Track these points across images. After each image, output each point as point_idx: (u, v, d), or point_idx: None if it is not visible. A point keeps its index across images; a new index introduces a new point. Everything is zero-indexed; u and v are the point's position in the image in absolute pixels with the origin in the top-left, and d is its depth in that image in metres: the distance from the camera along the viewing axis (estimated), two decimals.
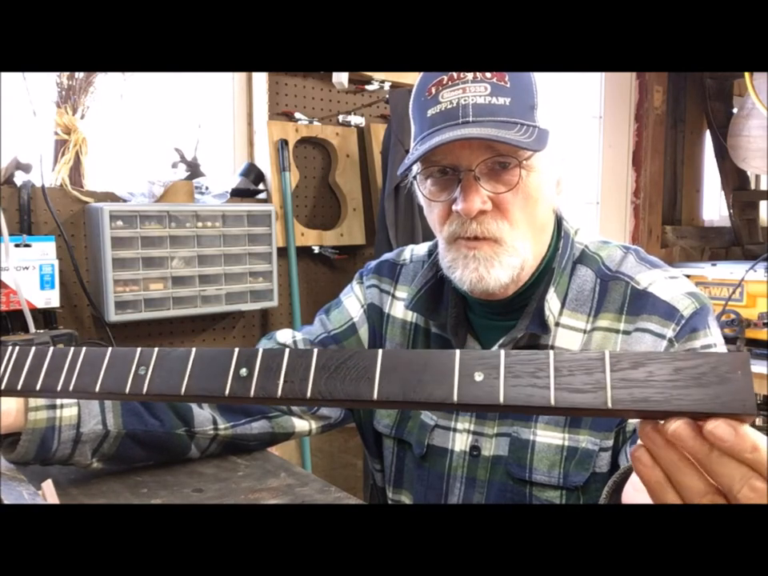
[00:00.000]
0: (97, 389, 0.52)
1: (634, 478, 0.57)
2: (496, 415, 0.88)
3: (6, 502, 0.72)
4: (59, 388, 0.53)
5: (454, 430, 0.91)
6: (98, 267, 1.81)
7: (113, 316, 1.81)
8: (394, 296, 1.02)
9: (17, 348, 0.57)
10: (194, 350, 0.51)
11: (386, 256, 1.07)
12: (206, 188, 2.10)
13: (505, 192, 0.81)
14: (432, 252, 1.00)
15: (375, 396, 0.45)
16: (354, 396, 0.45)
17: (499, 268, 0.82)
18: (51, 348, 0.56)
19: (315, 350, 0.48)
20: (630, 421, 0.82)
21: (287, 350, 0.49)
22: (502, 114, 0.78)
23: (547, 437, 0.84)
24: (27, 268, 1.68)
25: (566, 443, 0.84)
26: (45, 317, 1.76)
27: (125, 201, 1.93)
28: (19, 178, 1.78)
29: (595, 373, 0.42)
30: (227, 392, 0.48)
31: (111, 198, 1.92)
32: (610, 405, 0.41)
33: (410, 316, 0.99)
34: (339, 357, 0.47)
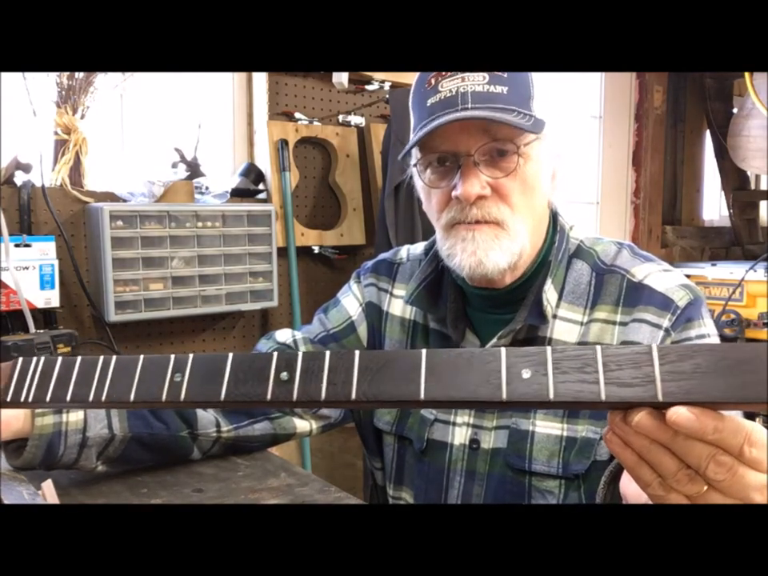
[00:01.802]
0: (131, 398, 0.51)
1: None
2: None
3: (6, 501, 0.72)
4: (91, 398, 0.52)
5: (454, 423, 0.91)
6: (98, 267, 1.81)
7: (113, 316, 1.81)
8: (392, 294, 1.02)
9: (42, 358, 0.56)
10: (230, 354, 0.50)
11: (383, 255, 1.08)
12: (206, 188, 2.10)
13: (503, 177, 0.82)
14: (429, 250, 1.01)
15: (422, 396, 0.44)
16: (400, 397, 0.44)
17: (498, 252, 0.83)
18: (79, 357, 0.54)
19: (357, 352, 0.47)
20: None
21: (327, 353, 0.48)
22: (500, 101, 0.80)
23: (546, 427, 0.85)
24: (27, 268, 1.68)
25: (565, 433, 0.84)
26: (45, 317, 1.76)
27: (125, 201, 1.93)
28: (19, 178, 1.78)
29: (643, 366, 0.42)
30: (269, 397, 0.47)
31: (111, 198, 1.92)
32: (660, 398, 0.40)
33: (409, 313, 0.99)
34: (382, 358, 0.46)
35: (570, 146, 3.05)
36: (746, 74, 2.75)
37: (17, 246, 1.67)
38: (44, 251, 1.72)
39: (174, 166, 2.08)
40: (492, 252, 0.83)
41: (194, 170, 2.10)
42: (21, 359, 0.56)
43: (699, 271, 2.68)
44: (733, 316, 2.43)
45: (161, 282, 1.88)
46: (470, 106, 0.79)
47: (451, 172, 0.84)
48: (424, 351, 0.46)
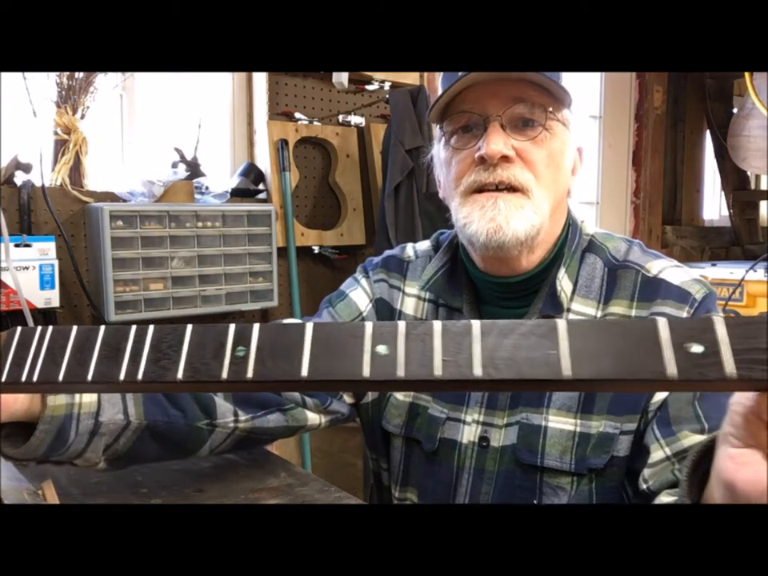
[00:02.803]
0: (179, 375, 0.39)
1: (732, 452, 0.55)
2: (506, 404, 0.87)
3: (6, 501, 0.72)
4: (122, 377, 0.40)
5: (463, 422, 0.90)
6: (98, 267, 1.81)
7: (113, 316, 1.81)
8: (404, 292, 1.00)
9: (50, 327, 0.43)
10: (309, 324, 0.40)
11: (391, 252, 1.05)
12: (206, 188, 2.10)
13: (528, 141, 0.82)
14: (435, 246, 1.00)
15: (569, 373, 0.36)
16: (539, 375, 0.36)
17: (520, 219, 0.81)
18: (102, 327, 0.42)
19: (474, 321, 0.38)
20: (653, 401, 0.82)
21: (435, 323, 0.39)
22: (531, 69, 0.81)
23: (559, 422, 0.84)
24: (27, 268, 1.68)
25: (578, 429, 0.83)
26: (45, 317, 1.76)
27: (125, 201, 1.93)
28: (19, 178, 1.78)
29: None
30: (367, 373, 0.37)
31: (111, 198, 1.92)
32: None
33: (421, 311, 0.98)
34: (507, 326, 0.38)
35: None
36: (746, 74, 2.75)
37: (17, 246, 1.67)
38: (44, 251, 1.72)
39: (174, 165, 2.09)
40: (514, 219, 0.81)
41: (194, 170, 2.10)
42: (19, 329, 0.44)
43: (699, 271, 2.68)
44: (733, 316, 2.43)
45: (161, 282, 1.88)
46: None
47: (477, 137, 0.83)
48: (561, 321, 0.38)
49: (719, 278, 2.59)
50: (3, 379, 0.42)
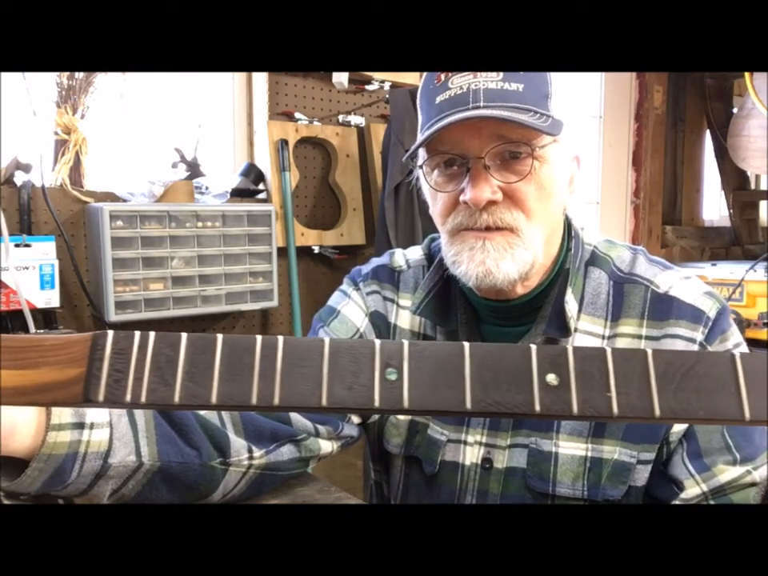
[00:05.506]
0: (323, 401, 0.35)
1: None
2: (509, 426, 0.84)
3: (5, 501, 0.72)
4: (254, 400, 0.36)
5: (465, 443, 0.87)
6: (98, 267, 1.81)
7: (113, 316, 1.81)
8: (398, 304, 0.94)
9: (151, 336, 0.37)
10: (466, 345, 0.37)
11: (379, 261, 0.99)
12: (206, 188, 2.10)
13: (517, 181, 0.77)
14: (428, 255, 0.97)
15: (748, 415, 0.34)
16: (716, 414, 0.35)
17: (510, 261, 0.77)
18: (220, 337, 0.37)
19: (649, 351, 0.36)
20: (674, 430, 0.79)
21: (609, 350, 0.36)
22: (515, 100, 0.75)
23: (570, 448, 0.81)
24: (27, 268, 1.68)
25: (590, 454, 0.80)
26: (45, 317, 1.76)
27: (125, 201, 1.93)
28: (19, 178, 1.78)
29: None
30: (538, 408, 0.35)
31: (111, 198, 1.92)
32: None
33: (417, 326, 0.93)
34: (681, 361, 0.36)
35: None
36: (746, 74, 2.75)
37: (17, 246, 1.67)
38: (44, 251, 1.72)
39: (174, 165, 2.09)
40: (503, 262, 0.77)
41: (194, 170, 2.10)
42: (110, 334, 0.37)
43: (699, 271, 2.68)
44: (733, 316, 2.43)
45: (161, 282, 1.88)
46: (482, 104, 0.74)
47: (460, 175, 0.78)
48: (737, 354, 0.35)
49: (719, 278, 2.59)
50: (101, 399, 0.36)
